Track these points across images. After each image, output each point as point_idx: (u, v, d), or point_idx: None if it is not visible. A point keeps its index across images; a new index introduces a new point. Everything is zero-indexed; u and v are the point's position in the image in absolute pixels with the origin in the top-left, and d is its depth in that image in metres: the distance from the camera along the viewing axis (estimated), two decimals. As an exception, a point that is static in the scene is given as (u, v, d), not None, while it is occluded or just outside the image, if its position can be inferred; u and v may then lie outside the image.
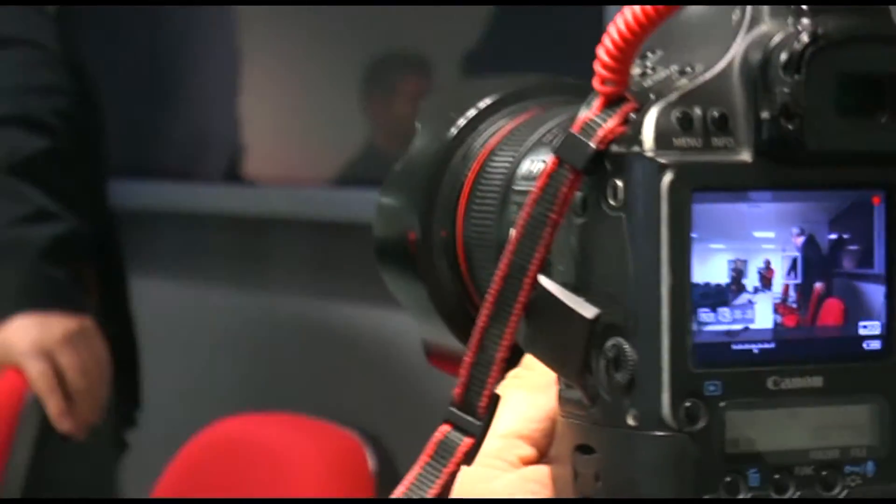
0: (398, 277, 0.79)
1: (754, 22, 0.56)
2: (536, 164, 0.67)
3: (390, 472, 1.97)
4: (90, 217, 2.13)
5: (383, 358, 2.71)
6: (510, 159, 0.71)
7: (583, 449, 0.57)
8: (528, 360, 0.61)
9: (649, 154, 0.54)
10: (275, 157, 2.96)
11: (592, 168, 0.56)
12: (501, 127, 0.75)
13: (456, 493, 0.61)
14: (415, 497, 0.63)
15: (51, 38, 2.17)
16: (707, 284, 0.55)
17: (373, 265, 2.38)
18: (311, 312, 2.89)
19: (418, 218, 0.76)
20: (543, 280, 0.58)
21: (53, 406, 2.03)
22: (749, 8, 0.56)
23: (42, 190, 2.05)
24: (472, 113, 0.76)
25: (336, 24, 2.78)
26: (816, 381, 0.56)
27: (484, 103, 0.76)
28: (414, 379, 2.58)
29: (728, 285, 0.55)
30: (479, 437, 0.62)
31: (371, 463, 1.97)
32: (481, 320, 0.60)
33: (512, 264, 0.59)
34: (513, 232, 0.63)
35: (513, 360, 0.62)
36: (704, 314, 0.55)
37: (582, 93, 0.71)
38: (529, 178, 0.67)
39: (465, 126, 0.75)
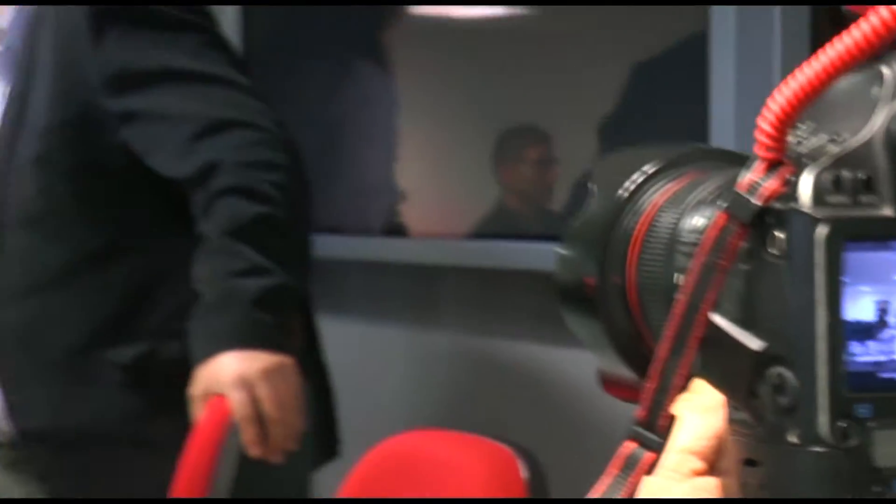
0: (578, 317, 0.82)
1: (894, 96, 0.58)
2: (700, 219, 0.70)
3: (539, 481, 2.03)
4: (297, 272, 2.19)
5: (532, 385, 2.77)
6: (675, 216, 0.74)
7: (749, 462, 0.61)
8: (698, 384, 0.65)
9: (806, 210, 0.57)
10: (423, 212, 3.04)
11: (756, 222, 0.59)
12: (664, 188, 0.78)
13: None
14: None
15: (268, 121, 2.24)
16: (857, 322, 0.57)
17: (518, 304, 2.44)
18: (471, 346, 2.98)
19: (595, 266, 0.79)
20: (715, 317, 0.62)
21: (248, 433, 2.09)
22: (887, 83, 0.58)
23: (257, 249, 2.12)
24: (638, 178, 0.80)
25: (473, 100, 2.86)
26: None
27: (648, 168, 0.80)
28: (560, 403, 2.66)
29: (875, 322, 0.58)
30: (660, 452, 0.65)
31: (523, 473, 2.01)
32: (662, 352, 0.64)
33: (688, 304, 0.63)
34: (679, 277, 0.68)
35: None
36: (855, 347, 0.57)
37: (728, 159, 0.78)
38: (695, 231, 0.70)
39: (634, 189, 0.79)
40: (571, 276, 0.83)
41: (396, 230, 3.06)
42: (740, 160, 0.65)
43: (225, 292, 2.17)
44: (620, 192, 0.80)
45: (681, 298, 0.63)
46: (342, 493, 2.20)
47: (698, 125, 2.36)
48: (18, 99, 2.31)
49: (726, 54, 2.34)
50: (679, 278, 0.70)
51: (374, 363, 3.17)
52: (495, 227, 2.79)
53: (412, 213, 3.03)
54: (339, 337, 2.77)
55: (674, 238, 0.74)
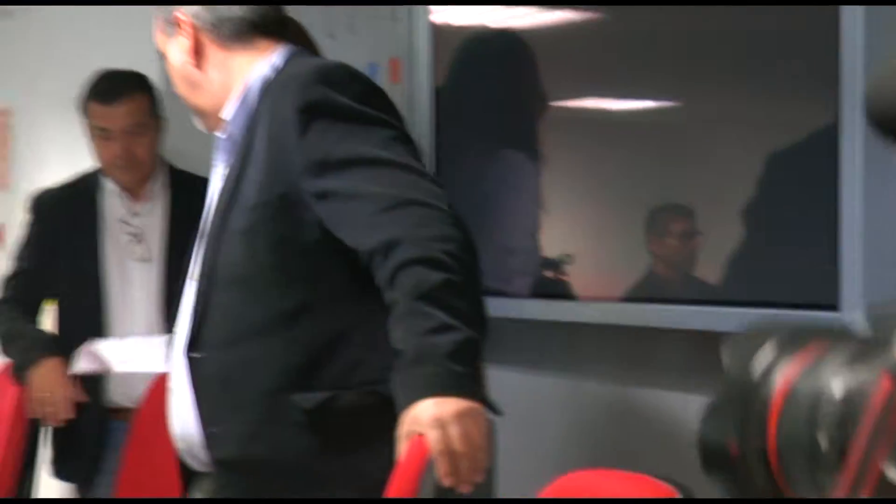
0: (723, 477, 0.86)
1: None
2: (840, 383, 0.74)
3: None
4: (478, 327, 2.20)
5: (676, 432, 2.79)
6: (811, 383, 0.78)
7: None
8: None
9: None
10: (585, 278, 3.05)
11: None
12: (793, 359, 0.82)
13: None
14: None
15: (441, 201, 2.28)
16: None
17: (663, 359, 2.45)
18: (620, 396, 3.02)
19: (737, 433, 0.84)
20: (888, 468, 0.64)
21: (442, 466, 2.11)
22: None
23: (443, 310, 2.15)
24: (768, 356, 0.84)
25: (627, 181, 2.89)
26: None
27: (774, 345, 0.84)
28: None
29: None
30: None
31: None
32: (841, 496, 0.66)
33: (861, 460, 0.64)
34: (822, 437, 0.71)
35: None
36: None
37: (838, 334, 0.83)
38: (843, 394, 0.73)
39: (766, 365, 0.83)
40: (715, 442, 0.86)
41: (560, 293, 3.06)
42: (847, 334, 0.71)
43: (422, 349, 2.18)
44: (754, 370, 0.84)
45: (855, 452, 0.65)
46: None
47: (829, 207, 2.37)
48: (234, 180, 2.41)
49: (854, 145, 2.35)
50: (823, 438, 0.72)
51: (531, 410, 3.16)
52: (645, 291, 2.81)
53: (576, 279, 3.03)
54: (500, 386, 2.76)
55: (815, 403, 0.76)
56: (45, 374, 3.31)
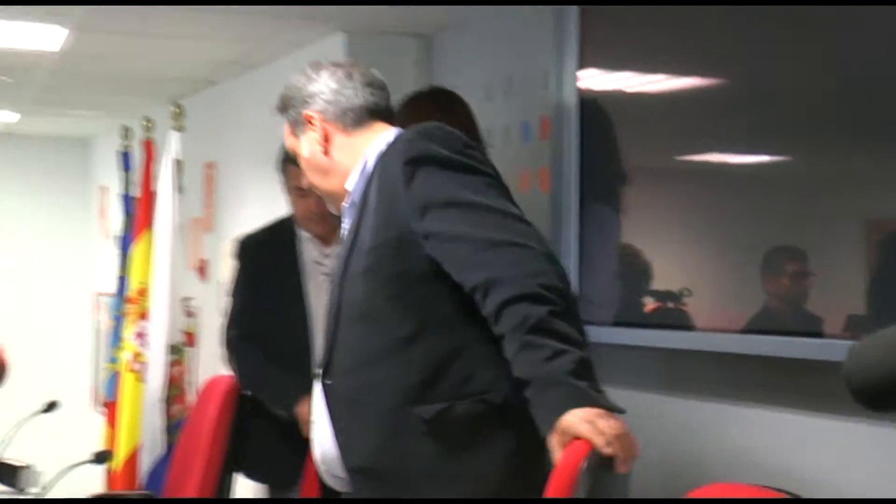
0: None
1: None
2: None
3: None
4: (583, 347, 2.25)
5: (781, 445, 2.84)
6: None
7: None
8: None
9: None
10: (708, 311, 3.05)
11: None
12: None
13: None
14: None
15: (534, 241, 2.33)
16: None
17: (777, 385, 2.76)
18: (736, 415, 3.02)
19: None
20: None
21: (608, 449, 2.12)
22: None
23: (552, 338, 2.21)
24: None
25: (746, 226, 2.90)
26: None
27: None
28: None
29: None
30: None
31: None
32: None
33: None
34: None
35: None
36: None
37: None
38: None
39: None
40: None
41: (685, 325, 3.05)
42: None
43: (547, 376, 2.22)
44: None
45: None
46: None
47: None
48: (353, 231, 2.51)
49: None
50: None
51: (658, 429, 3.16)
52: (760, 324, 2.80)
53: (699, 312, 3.03)
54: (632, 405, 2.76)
55: None
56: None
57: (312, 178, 2.64)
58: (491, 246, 2.33)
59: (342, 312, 2.50)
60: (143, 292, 5.57)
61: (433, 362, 2.42)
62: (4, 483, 3.90)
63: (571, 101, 3.44)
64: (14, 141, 8.91)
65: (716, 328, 2.95)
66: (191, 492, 3.90)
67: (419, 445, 2.41)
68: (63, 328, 8.99)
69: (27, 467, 3.98)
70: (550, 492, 2.15)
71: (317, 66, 2.65)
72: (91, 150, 9.14)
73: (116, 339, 6.08)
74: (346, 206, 2.58)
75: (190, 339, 5.21)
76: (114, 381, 6.02)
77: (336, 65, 2.65)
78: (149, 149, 5.61)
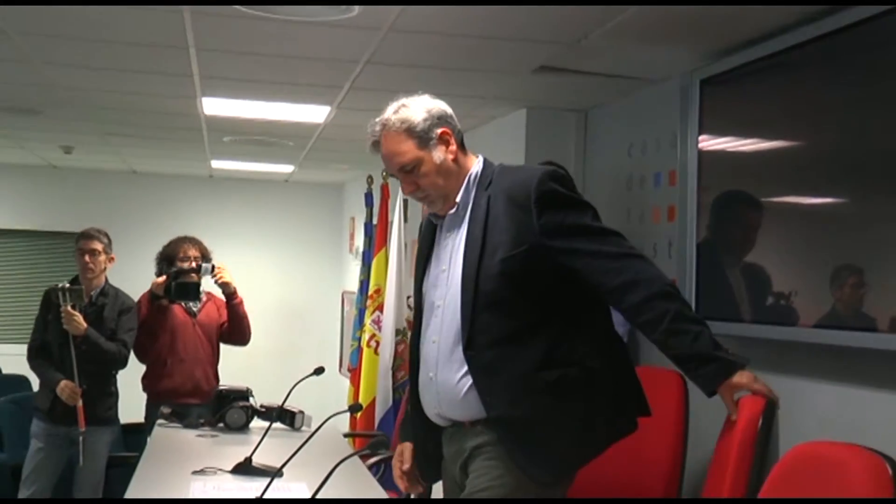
0: None
1: None
2: None
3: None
4: (706, 325, 2.33)
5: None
6: None
7: None
8: None
9: None
10: (797, 311, 2.92)
11: None
12: None
13: None
14: None
15: (639, 251, 2.41)
16: None
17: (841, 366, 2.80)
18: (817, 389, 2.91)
19: None
20: None
21: (766, 392, 2.29)
22: None
23: (688, 323, 2.30)
24: None
25: (820, 248, 2.81)
26: None
27: None
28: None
29: None
30: None
31: (891, 473, 1.91)
32: None
33: None
34: None
35: None
36: None
37: None
38: None
39: None
40: None
41: (780, 320, 2.94)
42: None
43: (699, 353, 2.27)
44: None
45: None
46: (770, 477, 2.15)
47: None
48: (480, 239, 2.41)
49: None
50: None
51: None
52: (828, 321, 2.76)
53: (793, 311, 2.91)
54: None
55: None
56: None
57: (438, 180, 2.47)
58: (619, 257, 2.34)
59: (478, 301, 2.40)
60: (378, 291, 5.78)
61: (552, 340, 2.39)
62: (285, 423, 4.09)
63: (693, 158, 3.39)
64: (290, 186, 9.26)
65: (799, 324, 2.89)
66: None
67: (542, 400, 2.36)
68: (322, 316, 9.27)
69: (301, 412, 4.20)
70: (741, 429, 2.17)
71: (431, 97, 2.51)
72: (343, 192, 9.42)
73: (359, 324, 6.31)
74: (451, 213, 2.49)
75: (409, 324, 5.36)
76: (357, 354, 6.26)
77: (434, 96, 2.54)
78: (385, 191, 5.83)
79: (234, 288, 4.86)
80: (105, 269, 4.66)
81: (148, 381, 4.86)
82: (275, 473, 2.73)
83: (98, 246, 4.62)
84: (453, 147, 2.48)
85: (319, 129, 5.51)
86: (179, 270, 4.80)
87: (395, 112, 2.47)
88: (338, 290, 9.17)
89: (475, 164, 2.53)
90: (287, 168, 8.04)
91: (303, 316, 9.24)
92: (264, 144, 6.28)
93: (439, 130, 2.47)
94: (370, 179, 6.29)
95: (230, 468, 3.13)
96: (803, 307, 2.89)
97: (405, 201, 5.50)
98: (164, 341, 4.78)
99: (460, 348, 2.41)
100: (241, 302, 4.93)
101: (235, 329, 4.92)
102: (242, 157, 7.38)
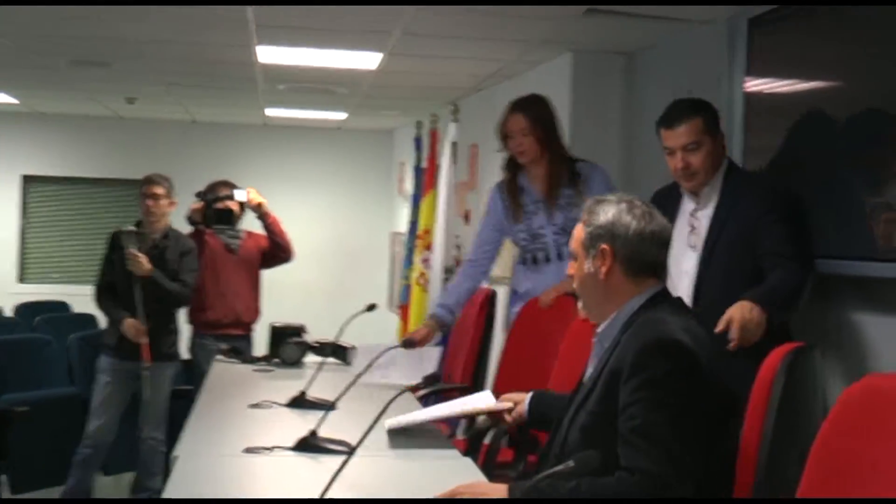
0: None
1: None
2: None
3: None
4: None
5: None
6: None
7: None
8: None
9: None
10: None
11: None
12: None
13: None
14: None
15: None
16: None
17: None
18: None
19: None
20: None
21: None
22: None
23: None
24: None
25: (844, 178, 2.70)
26: None
27: None
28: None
29: None
30: None
31: None
32: None
33: None
34: None
35: None
36: None
37: None
38: None
39: None
40: None
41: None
42: None
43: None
44: None
45: None
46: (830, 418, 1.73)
47: None
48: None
49: None
50: None
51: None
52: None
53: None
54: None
55: None
56: None
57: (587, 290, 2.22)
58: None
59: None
60: (427, 232, 5.71)
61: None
62: (338, 358, 4.04)
63: (739, 97, 3.26)
64: (343, 133, 9.19)
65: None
66: (458, 370, 3.95)
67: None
68: (371, 255, 9.24)
69: (354, 347, 4.13)
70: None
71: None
72: (393, 138, 9.33)
73: (408, 262, 6.26)
74: (596, 341, 2.14)
75: (457, 262, 5.30)
76: (406, 291, 6.21)
77: None
78: (434, 136, 5.72)
79: (267, 209, 4.91)
80: (167, 213, 4.64)
81: (190, 313, 4.90)
82: (329, 407, 2.68)
83: (160, 191, 4.59)
84: (605, 269, 2.06)
85: (371, 75, 5.44)
86: (216, 197, 4.86)
87: None
88: (387, 231, 9.14)
89: (639, 299, 2.06)
90: (340, 115, 7.97)
91: (354, 257, 9.22)
92: (317, 92, 6.22)
93: (603, 245, 2.16)
94: (419, 124, 6.17)
95: (285, 402, 3.08)
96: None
97: (454, 144, 5.39)
98: (204, 275, 4.79)
99: None
100: (276, 220, 4.96)
101: (275, 246, 4.94)
102: (296, 105, 7.32)
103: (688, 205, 2.91)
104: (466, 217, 6.11)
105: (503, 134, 3.60)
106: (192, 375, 4.76)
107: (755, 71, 3.21)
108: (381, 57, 4.80)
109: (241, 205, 4.96)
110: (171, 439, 3.52)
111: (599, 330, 2.11)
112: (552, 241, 3.58)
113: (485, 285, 4.05)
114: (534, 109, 3.56)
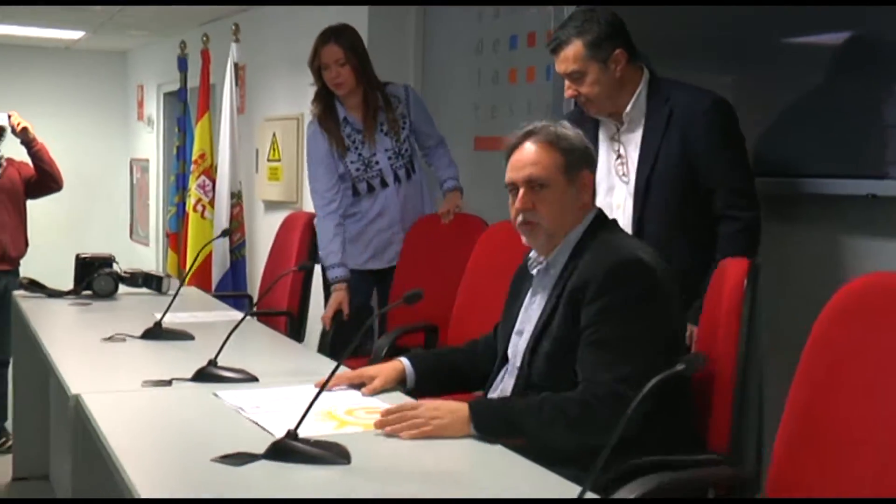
0: None
1: None
2: None
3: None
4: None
5: None
6: None
7: None
8: None
9: None
10: None
11: None
12: None
13: None
14: None
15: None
16: None
17: None
18: None
19: None
20: None
21: None
22: None
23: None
24: None
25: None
26: None
27: None
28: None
29: None
30: None
31: None
32: None
33: None
34: None
35: None
36: None
37: None
38: None
39: None
40: None
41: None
42: None
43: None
44: None
45: None
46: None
47: None
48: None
49: None
50: None
51: None
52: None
53: None
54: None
55: None
56: None
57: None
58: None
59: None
60: (203, 156, 5.36)
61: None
62: (151, 288, 3.75)
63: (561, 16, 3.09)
64: (72, 53, 8.26)
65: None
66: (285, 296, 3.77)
67: None
68: (107, 183, 8.53)
69: (168, 276, 3.87)
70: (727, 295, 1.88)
71: None
72: (127, 59, 8.55)
73: (176, 190, 5.87)
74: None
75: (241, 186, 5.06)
76: (176, 219, 5.83)
77: None
78: (206, 56, 5.34)
79: (34, 135, 4.45)
80: None
81: None
82: (189, 337, 2.70)
83: None
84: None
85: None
86: None
87: None
88: (126, 158, 8.45)
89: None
90: (75, 34, 7.17)
91: (91, 185, 8.43)
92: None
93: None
94: (183, 45, 5.70)
95: (139, 334, 2.80)
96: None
97: (235, 66, 5.06)
98: None
99: None
100: (44, 147, 4.50)
101: (44, 176, 4.48)
102: (22, 21, 6.47)
103: (609, 127, 2.48)
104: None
105: (317, 66, 3.39)
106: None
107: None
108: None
109: (1, 129, 4.38)
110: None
111: (550, 259, 2.00)
112: (387, 166, 3.46)
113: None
114: (347, 38, 3.38)
